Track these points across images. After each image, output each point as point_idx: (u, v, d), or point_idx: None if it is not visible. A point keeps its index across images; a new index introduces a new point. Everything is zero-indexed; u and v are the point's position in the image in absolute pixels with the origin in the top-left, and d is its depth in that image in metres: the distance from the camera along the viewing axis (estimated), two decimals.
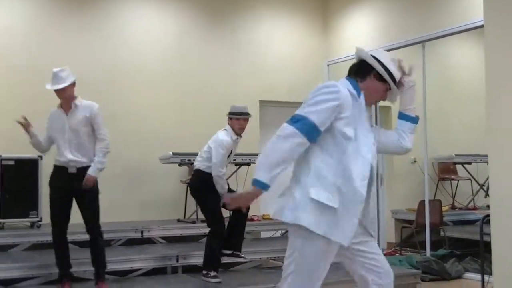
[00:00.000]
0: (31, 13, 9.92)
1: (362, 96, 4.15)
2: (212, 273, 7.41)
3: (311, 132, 3.88)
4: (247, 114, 7.65)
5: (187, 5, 10.92)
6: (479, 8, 7.70)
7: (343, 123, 3.95)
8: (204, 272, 7.44)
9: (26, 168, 8.56)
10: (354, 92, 4.09)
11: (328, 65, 11.81)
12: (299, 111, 3.95)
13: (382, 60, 4.27)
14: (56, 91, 6.75)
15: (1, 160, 8.63)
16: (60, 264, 6.92)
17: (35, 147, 7.12)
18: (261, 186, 3.84)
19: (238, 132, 7.61)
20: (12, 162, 8.51)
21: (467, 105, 10.38)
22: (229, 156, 7.60)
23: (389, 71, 4.26)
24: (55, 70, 6.80)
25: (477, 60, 8.37)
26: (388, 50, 10.50)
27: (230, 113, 7.68)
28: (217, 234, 7.47)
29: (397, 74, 4.31)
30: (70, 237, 8.02)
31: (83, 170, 6.76)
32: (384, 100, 4.41)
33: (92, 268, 7.00)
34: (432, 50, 10.12)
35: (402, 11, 10.42)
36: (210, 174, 7.40)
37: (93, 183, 6.72)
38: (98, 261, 6.96)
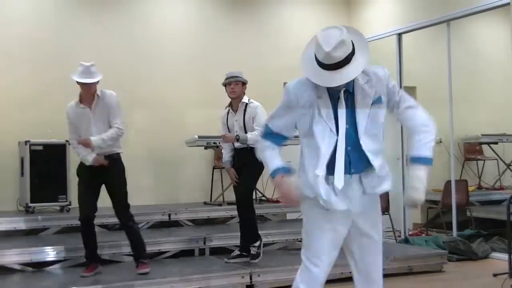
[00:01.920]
0: (59, 5, 9.97)
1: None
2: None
3: (268, 137, 4.09)
4: (234, 77, 7.45)
5: None
6: None
7: (299, 120, 3.95)
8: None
9: (54, 153, 8.64)
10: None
11: None
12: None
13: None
14: (85, 84, 6.78)
15: (30, 145, 8.72)
16: (87, 248, 7.00)
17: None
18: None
19: (231, 96, 7.49)
20: (40, 147, 8.59)
21: (493, 85, 10.33)
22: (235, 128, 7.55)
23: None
24: (85, 64, 6.81)
25: (504, 39, 8.32)
26: (413, 30, 10.57)
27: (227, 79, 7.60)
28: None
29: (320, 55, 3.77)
30: (99, 221, 8.18)
31: (108, 157, 6.86)
32: None
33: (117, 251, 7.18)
34: (458, 29, 10.05)
35: None
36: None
37: (86, 144, 6.70)
38: (135, 243, 7.07)
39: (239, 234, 7.59)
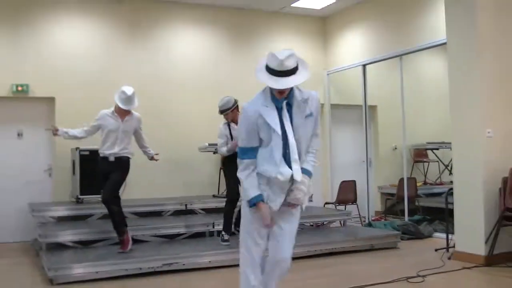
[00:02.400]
0: (105, 39, 10.01)
1: (275, 99, 3.93)
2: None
3: (244, 156, 4.01)
4: (225, 110, 7.56)
5: (217, 31, 10.92)
6: (444, 28, 7.72)
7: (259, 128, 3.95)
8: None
9: (97, 157, 8.70)
10: (269, 98, 3.94)
11: (328, 74, 11.78)
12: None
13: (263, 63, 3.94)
14: (124, 111, 7.01)
15: (80, 151, 8.80)
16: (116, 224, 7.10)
17: (70, 139, 7.44)
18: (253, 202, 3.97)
19: (229, 121, 7.64)
20: (87, 153, 8.66)
21: (435, 104, 10.42)
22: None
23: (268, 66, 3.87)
24: (128, 93, 6.95)
25: (442, 68, 8.44)
26: (374, 62, 10.64)
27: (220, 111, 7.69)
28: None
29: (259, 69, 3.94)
30: (131, 209, 8.30)
31: (119, 158, 7.08)
32: (280, 91, 3.89)
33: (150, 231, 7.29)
34: (408, 61, 10.09)
35: (384, 31, 10.40)
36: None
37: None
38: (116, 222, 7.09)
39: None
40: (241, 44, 11.12)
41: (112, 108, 7.13)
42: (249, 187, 3.99)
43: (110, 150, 7.07)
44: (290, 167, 3.92)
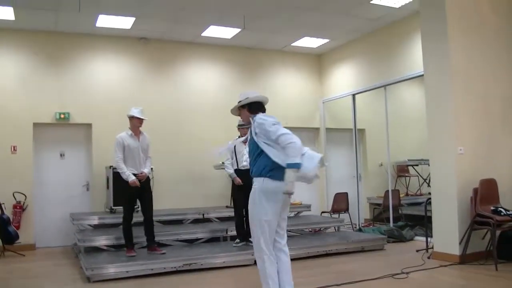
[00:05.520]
0: (135, 73, 10.09)
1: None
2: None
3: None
4: (241, 125, 7.61)
5: (229, 66, 10.97)
6: (421, 62, 7.76)
7: None
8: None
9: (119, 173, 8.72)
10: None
11: (323, 102, 11.82)
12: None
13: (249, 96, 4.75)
14: (140, 120, 7.01)
15: (113, 169, 8.79)
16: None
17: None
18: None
19: (243, 135, 7.65)
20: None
21: (415, 127, 10.40)
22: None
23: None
24: (140, 107, 7.09)
25: (421, 97, 8.45)
26: (362, 92, 10.69)
27: (238, 125, 7.82)
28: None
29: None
30: (157, 218, 8.21)
31: (147, 178, 7.09)
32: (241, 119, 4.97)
33: (173, 237, 7.23)
34: (391, 91, 10.10)
35: (370, 65, 10.44)
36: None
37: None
38: (149, 233, 7.14)
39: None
40: (248, 77, 11.16)
41: (129, 131, 7.08)
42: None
43: (135, 169, 6.97)
44: None
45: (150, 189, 7.16)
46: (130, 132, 7.07)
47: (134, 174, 6.92)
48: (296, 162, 4.15)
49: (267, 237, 4.40)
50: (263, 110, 4.71)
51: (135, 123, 7.04)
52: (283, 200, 4.42)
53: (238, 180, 7.54)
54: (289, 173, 4.15)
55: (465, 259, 6.83)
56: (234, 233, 7.97)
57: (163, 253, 7.01)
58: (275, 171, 4.32)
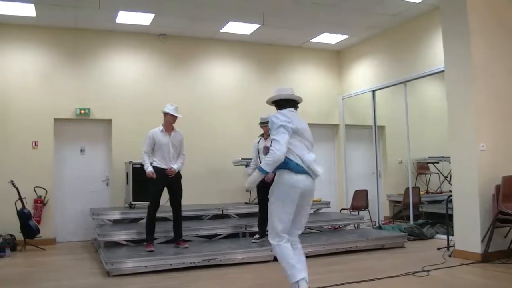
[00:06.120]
0: (154, 70, 10.12)
1: None
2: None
3: None
4: (265, 122, 7.46)
5: (248, 62, 10.96)
6: (442, 58, 7.69)
7: None
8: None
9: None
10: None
11: (342, 98, 11.77)
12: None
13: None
14: (174, 117, 7.08)
15: (132, 164, 8.90)
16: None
17: None
18: None
19: (266, 133, 7.59)
20: (138, 166, 8.62)
21: (435, 123, 10.31)
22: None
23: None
24: (174, 105, 7.15)
25: (442, 94, 8.36)
26: (382, 88, 10.61)
27: (260, 123, 7.78)
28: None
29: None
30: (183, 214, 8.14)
31: (178, 173, 7.16)
32: None
33: (193, 232, 7.27)
34: (412, 87, 10.01)
35: (390, 61, 10.36)
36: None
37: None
38: (177, 227, 7.23)
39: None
40: (267, 73, 11.15)
41: (161, 127, 7.18)
42: None
43: (164, 164, 7.05)
44: None
45: (179, 184, 7.20)
46: (162, 127, 7.17)
47: (163, 169, 7.01)
48: (265, 170, 4.44)
49: (286, 225, 4.62)
50: (289, 106, 5.08)
51: (169, 119, 7.14)
52: (300, 193, 4.57)
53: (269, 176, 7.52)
54: (255, 174, 4.53)
55: (487, 257, 6.73)
56: (253, 229, 7.97)
57: (186, 247, 7.10)
58: (291, 164, 4.56)
